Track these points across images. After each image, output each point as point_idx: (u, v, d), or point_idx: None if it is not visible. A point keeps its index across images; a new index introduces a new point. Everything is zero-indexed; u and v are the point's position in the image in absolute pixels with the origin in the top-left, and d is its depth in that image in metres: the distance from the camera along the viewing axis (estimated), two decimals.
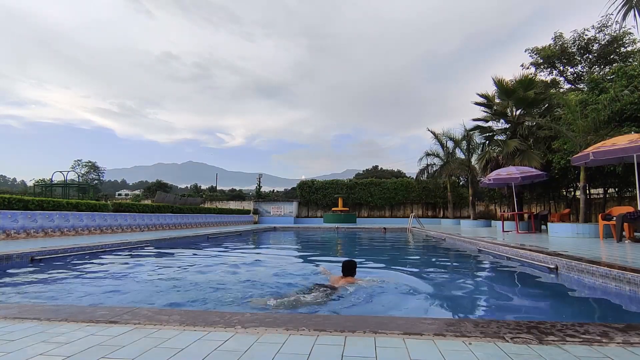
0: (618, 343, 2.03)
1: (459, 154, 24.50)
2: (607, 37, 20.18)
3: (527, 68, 23.12)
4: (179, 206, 20.82)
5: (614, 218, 8.99)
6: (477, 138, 21.08)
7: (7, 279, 5.12)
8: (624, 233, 8.71)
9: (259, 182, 42.65)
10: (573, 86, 21.64)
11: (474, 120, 19.28)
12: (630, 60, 18.67)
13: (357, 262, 5.05)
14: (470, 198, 22.86)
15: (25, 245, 8.04)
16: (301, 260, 8.31)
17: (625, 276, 3.95)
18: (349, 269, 4.85)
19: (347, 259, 5.09)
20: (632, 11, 9.77)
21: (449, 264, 7.57)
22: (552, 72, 23.17)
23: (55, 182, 28.27)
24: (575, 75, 22.45)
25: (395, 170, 77.78)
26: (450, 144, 24.91)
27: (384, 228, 18.79)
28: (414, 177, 31.63)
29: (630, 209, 9.18)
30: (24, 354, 1.90)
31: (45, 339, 2.13)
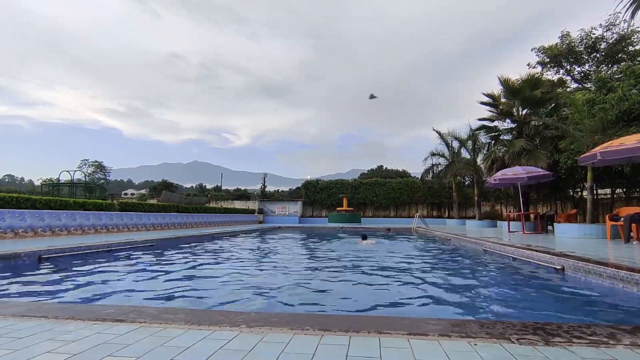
0: (625, 345, 2.01)
1: (465, 154, 24.35)
2: (615, 36, 19.96)
3: (534, 67, 22.94)
4: (185, 206, 20.93)
5: (622, 219, 8.90)
6: (483, 138, 20.94)
7: (15, 277, 5.18)
8: (631, 234, 8.62)
9: (264, 181, 42.77)
10: (580, 85, 21.43)
11: (480, 119, 19.18)
12: (639, 59, 18.45)
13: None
14: (476, 198, 22.72)
15: (33, 244, 8.13)
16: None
17: (633, 277, 3.91)
18: (365, 236, 11.70)
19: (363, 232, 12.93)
20: None
21: (454, 264, 7.54)
22: (559, 71, 22.98)
23: (63, 181, 28.54)
24: (582, 74, 22.24)
25: (400, 170, 77.49)
26: (455, 144, 24.78)
27: (388, 229, 18.14)
28: (419, 177, 31.52)
29: (638, 209, 9.07)
30: (31, 351, 1.92)
31: (52, 337, 2.15)
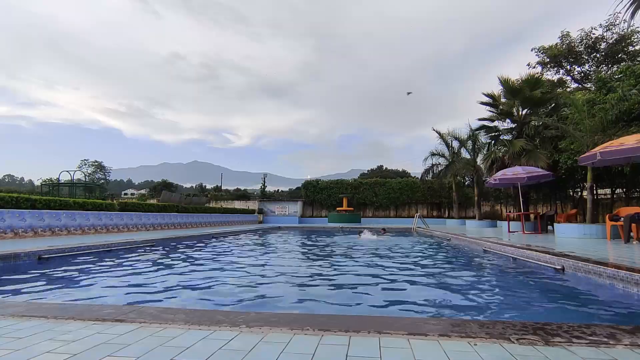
0: (625, 345, 2.02)
1: (465, 154, 24.38)
2: (615, 36, 19.95)
3: (534, 67, 22.94)
4: (184, 206, 20.93)
5: (622, 219, 8.90)
6: (483, 138, 20.96)
7: (15, 277, 5.18)
8: (631, 234, 8.62)
9: (264, 181, 42.73)
10: (580, 85, 21.44)
11: (480, 120, 19.19)
12: (639, 59, 18.45)
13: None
14: (476, 198, 22.73)
15: (33, 243, 8.13)
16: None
17: (633, 277, 3.91)
18: (360, 232, 14.65)
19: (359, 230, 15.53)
20: None
21: (454, 264, 7.54)
22: (559, 72, 22.97)
23: (62, 181, 28.53)
24: (582, 74, 22.24)
25: (400, 170, 77.53)
26: (455, 144, 24.81)
27: (383, 229, 17.23)
28: (419, 177, 31.53)
29: (638, 209, 9.08)
30: (31, 351, 1.92)
31: (52, 337, 2.15)
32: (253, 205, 35.46)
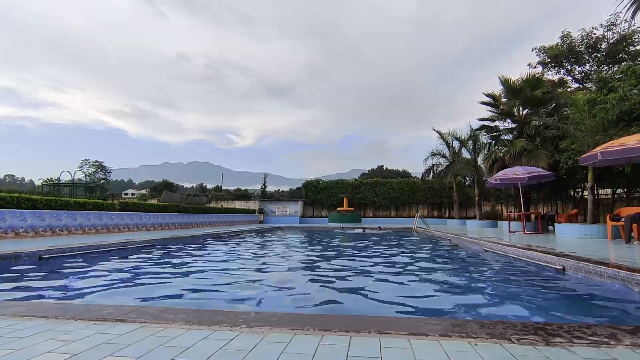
0: (626, 345, 2.01)
1: (465, 154, 24.38)
2: (616, 36, 19.95)
3: (535, 67, 22.95)
4: (185, 206, 20.94)
5: (623, 219, 8.90)
6: (484, 138, 20.96)
7: (16, 277, 5.18)
8: (632, 234, 8.61)
9: (264, 181, 42.73)
10: (581, 85, 21.43)
11: (480, 119, 19.20)
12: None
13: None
14: (477, 198, 22.72)
15: (34, 243, 8.14)
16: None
17: (634, 277, 3.91)
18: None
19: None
20: None
21: (455, 264, 7.53)
22: (560, 71, 22.98)
23: (63, 181, 28.55)
24: (583, 74, 22.24)
25: (401, 170, 77.52)
26: (456, 144, 24.81)
27: (379, 227, 20.23)
28: (420, 177, 31.53)
29: (639, 209, 9.07)
30: (31, 351, 1.93)
31: (52, 337, 2.15)
32: (253, 205, 35.47)
